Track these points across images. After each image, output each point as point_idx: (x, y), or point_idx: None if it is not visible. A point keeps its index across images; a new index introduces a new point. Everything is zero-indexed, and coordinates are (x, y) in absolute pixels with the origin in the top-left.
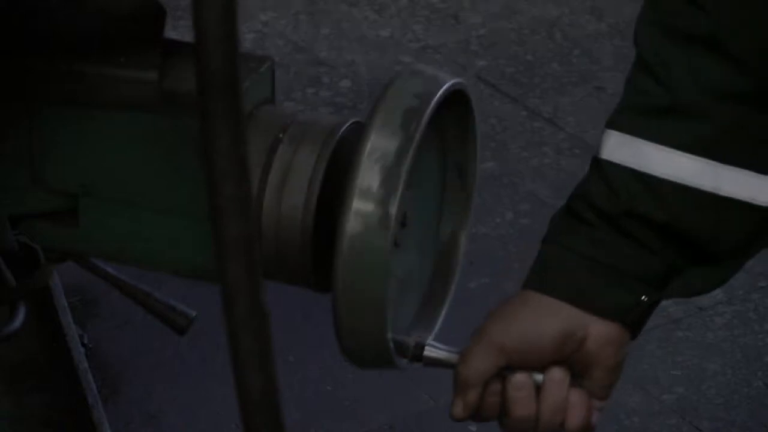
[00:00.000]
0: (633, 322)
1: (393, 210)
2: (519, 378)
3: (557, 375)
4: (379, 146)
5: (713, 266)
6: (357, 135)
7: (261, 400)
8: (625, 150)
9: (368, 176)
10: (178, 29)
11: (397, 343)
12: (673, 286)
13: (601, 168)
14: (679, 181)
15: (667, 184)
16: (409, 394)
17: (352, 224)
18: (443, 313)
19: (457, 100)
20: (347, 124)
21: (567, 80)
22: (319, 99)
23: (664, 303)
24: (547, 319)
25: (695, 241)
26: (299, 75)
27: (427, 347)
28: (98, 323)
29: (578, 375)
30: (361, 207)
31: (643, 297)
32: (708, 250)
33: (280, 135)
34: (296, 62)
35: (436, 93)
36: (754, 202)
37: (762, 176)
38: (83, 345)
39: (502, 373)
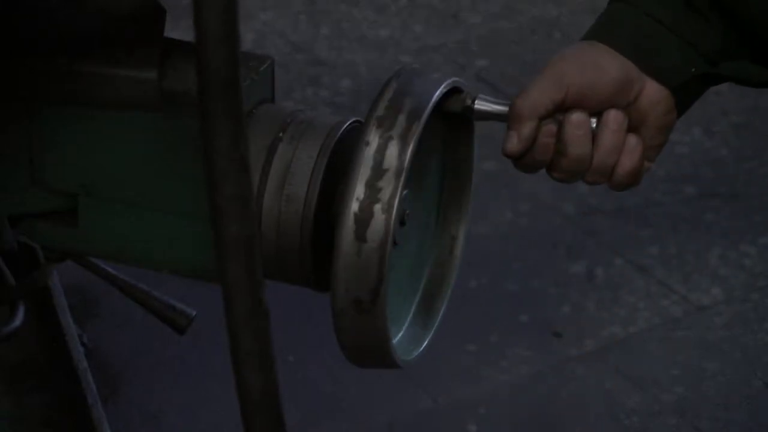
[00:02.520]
0: (680, 90)
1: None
2: (578, 116)
3: (616, 116)
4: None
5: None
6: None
7: (261, 400)
8: None
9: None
10: (178, 29)
11: (444, 106)
12: (726, 66)
13: None
14: None
15: None
16: (409, 394)
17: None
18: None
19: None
20: (347, 123)
21: None
22: (319, 99)
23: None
24: (611, 61)
25: (759, 35)
26: (299, 75)
27: (477, 100)
28: (98, 323)
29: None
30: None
31: (693, 68)
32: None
33: (280, 134)
34: (296, 62)
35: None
36: None
37: None
38: (83, 345)
39: (558, 117)
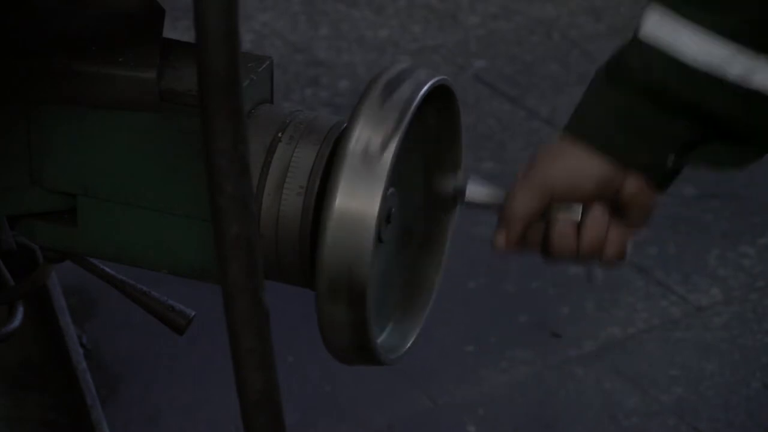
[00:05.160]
0: (659, 180)
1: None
2: (562, 225)
3: (598, 214)
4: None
5: (743, 145)
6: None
7: (261, 400)
8: (663, 30)
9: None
10: (178, 29)
11: (435, 192)
12: (700, 153)
13: (640, 45)
14: (708, 67)
15: (699, 71)
16: (409, 394)
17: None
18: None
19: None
20: (346, 124)
21: (565, 81)
22: (318, 99)
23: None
24: (590, 163)
25: (726, 125)
26: (298, 75)
27: (468, 188)
28: (97, 323)
29: (615, 211)
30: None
31: (669, 159)
32: (739, 134)
33: (279, 135)
34: (295, 63)
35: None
36: None
37: None
38: (82, 345)
39: (546, 215)
